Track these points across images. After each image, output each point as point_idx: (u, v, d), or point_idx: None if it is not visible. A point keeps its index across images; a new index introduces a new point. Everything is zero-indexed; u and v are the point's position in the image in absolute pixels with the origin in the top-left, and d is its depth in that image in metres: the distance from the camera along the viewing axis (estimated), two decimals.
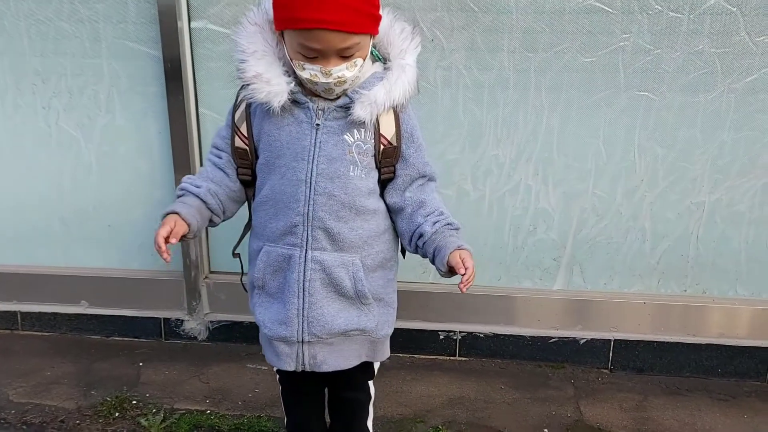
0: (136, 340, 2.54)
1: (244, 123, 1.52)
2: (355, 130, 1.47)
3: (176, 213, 1.47)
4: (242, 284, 1.71)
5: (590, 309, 2.41)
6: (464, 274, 1.42)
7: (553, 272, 2.42)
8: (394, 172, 1.54)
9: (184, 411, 2.11)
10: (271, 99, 1.41)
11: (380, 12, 1.44)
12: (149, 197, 2.45)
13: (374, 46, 1.50)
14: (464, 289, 1.43)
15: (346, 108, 1.45)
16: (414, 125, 1.53)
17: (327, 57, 1.37)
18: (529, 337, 2.43)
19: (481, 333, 2.44)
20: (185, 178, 1.57)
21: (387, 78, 1.45)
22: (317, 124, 1.46)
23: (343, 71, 1.39)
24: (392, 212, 1.58)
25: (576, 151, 2.28)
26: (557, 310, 2.42)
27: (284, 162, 1.48)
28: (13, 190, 2.50)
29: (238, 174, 1.57)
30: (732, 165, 2.25)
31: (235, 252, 1.68)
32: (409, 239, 1.56)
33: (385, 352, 1.68)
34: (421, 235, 1.53)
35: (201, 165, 2.36)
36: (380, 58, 1.50)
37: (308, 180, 1.46)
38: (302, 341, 1.53)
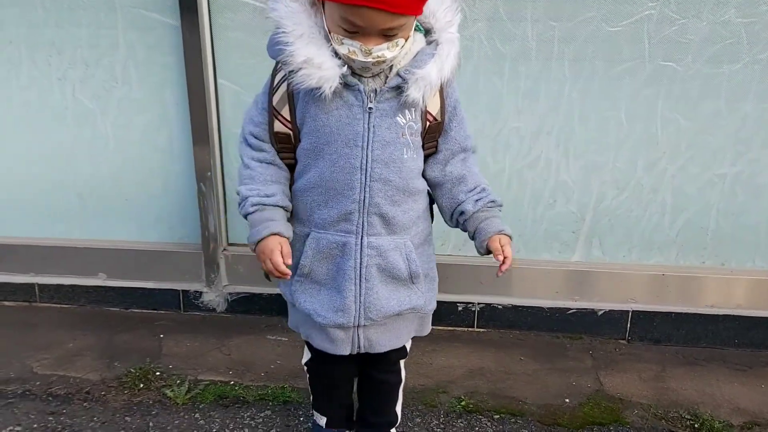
0: (156, 312, 2.55)
1: (286, 106, 1.45)
2: (407, 111, 1.42)
3: (277, 234, 1.43)
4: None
5: (608, 280, 2.41)
6: (503, 263, 1.47)
7: (572, 244, 2.42)
8: (436, 147, 1.52)
9: (208, 382, 2.13)
10: (323, 84, 1.34)
11: None
12: (167, 169, 2.44)
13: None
14: (500, 274, 1.48)
15: (398, 88, 1.39)
16: (457, 98, 1.50)
17: (368, 35, 1.31)
18: (547, 308, 2.44)
19: (500, 304, 2.45)
20: (246, 190, 1.47)
21: (438, 54, 1.39)
22: (370, 108, 1.39)
23: (383, 51, 1.32)
24: (432, 186, 1.56)
25: (598, 123, 2.26)
26: (576, 281, 2.42)
27: (335, 148, 1.41)
28: (30, 163, 2.48)
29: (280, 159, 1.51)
30: (755, 137, 2.24)
31: None
32: (450, 215, 1.57)
33: (429, 326, 1.69)
34: (462, 213, 1.53)
35: (219, 136, 2.35)
36: (421, 29, 1.44)
37: (363, 167, 1.42)
38: (358, 325, 1.52)
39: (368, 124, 1.40)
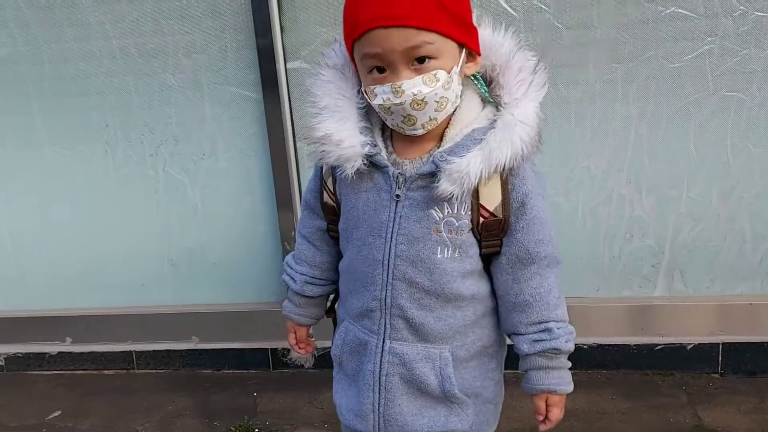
0: (246, 371, 2.63)
1: (331, 177, 1.30)
2: (446, 204, 1.18)
3: (289, 319, 1.46)
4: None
5: (694, 314, 2.39)
6: (542, 422, 1.33)
7: (652, 279, 2.42)
8: (500, 247, 1.24)
9: None
10: (342, 164, 1.18)
11: (472, 20, 1.17)
12: (252, 233, 2.56)
13: (486, 82, 1.22)
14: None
15: (433, 175, 1.16)
16: (528, 191, 1.19)
17: (395, 68, 1.10)
18: (634, 345, 2.42)
19: (585, 344, 2.44)
20: (287, 261, 1.45)
21: (487, 140, 1.13)
22: (397, 195, 1.19)
23: (418, 86, 1.10)
24: (495, 292, 1.30)
25: (667, 156, 2.30)
26: (660, 316, 2.41)
27: (360, 235, 1.24)
28: (124, 236, 2.64)
29: (329, 231, 1.37)
30: None
31: (329, 309, 1.49)
32: (504, 331, 1.34)
33: None
34: (515, 345, 1.29)
35: (300, 198, 2.47)
36: (491, 100, 1.22)
37: (385, 261, 1.21)
38: None
39: (394, 213, 1.20)
